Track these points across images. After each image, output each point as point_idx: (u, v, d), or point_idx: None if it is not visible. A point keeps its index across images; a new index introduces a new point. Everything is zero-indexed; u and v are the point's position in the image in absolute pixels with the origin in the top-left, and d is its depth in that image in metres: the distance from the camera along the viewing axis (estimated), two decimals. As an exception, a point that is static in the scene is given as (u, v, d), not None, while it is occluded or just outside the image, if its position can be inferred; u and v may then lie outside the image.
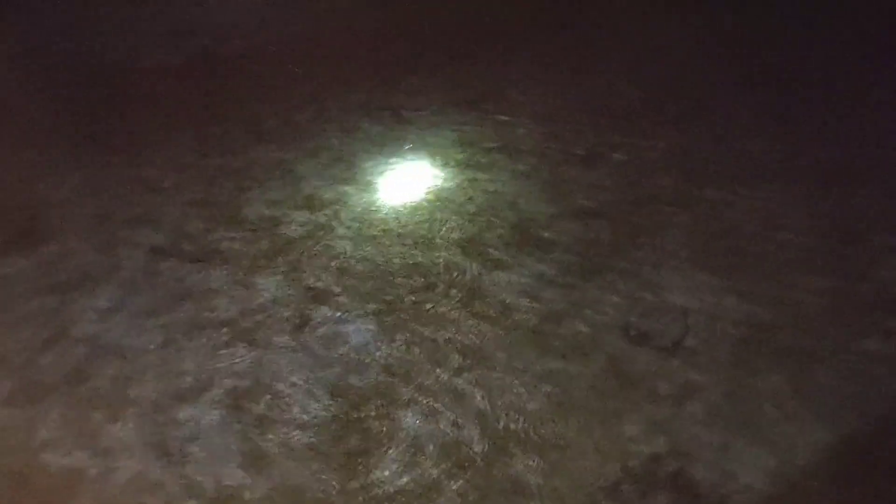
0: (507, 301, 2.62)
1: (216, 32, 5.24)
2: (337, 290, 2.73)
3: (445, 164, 3.48)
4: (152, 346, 2.49)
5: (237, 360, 2.42)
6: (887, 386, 2.21)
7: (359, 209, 3.18)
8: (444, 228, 3.03)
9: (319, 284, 2.75)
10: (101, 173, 3.56)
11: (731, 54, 4.62)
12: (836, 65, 4.39)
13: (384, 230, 3.04)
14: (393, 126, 3.88)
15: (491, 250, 2.89)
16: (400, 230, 3.03)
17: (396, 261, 2.86)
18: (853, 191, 3.15)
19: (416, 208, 3.17)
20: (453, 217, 3.10)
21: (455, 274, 2.77)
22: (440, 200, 3.21)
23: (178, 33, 5.23)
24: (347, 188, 3.33)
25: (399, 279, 2.76)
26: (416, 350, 2.44)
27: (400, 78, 4.43)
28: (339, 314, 2.61)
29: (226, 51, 4.95)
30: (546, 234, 2.97)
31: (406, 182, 3.37)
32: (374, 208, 3.19)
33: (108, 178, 3.51)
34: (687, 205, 3.12)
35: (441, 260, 2.85)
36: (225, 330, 2.54)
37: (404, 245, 2.94)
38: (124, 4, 5.86)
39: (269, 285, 2.76)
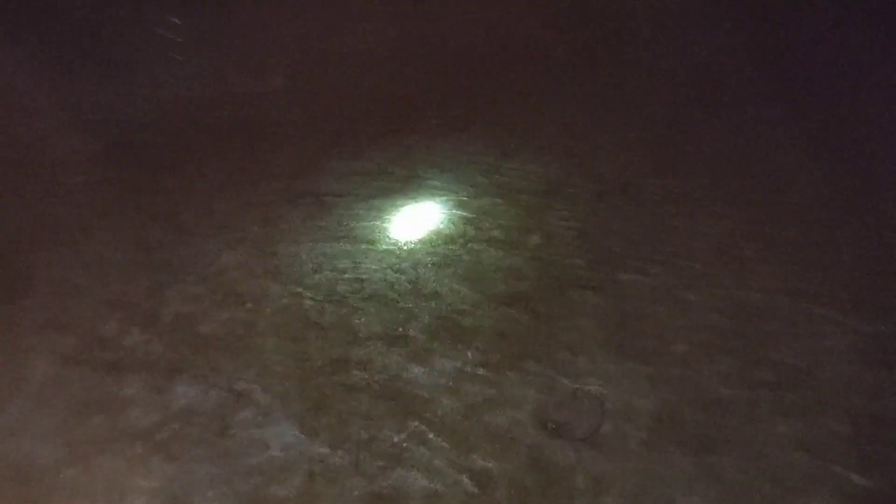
0: (430, 396, 2.65)
1: (132, 120, 5.20)
2: (258, 390, 2.70)
3: (367, 254, 3.53)
4: (61, 465, 2.39)
5: (152, 476, 2.35)
6: (787, 466, 2.34)
7: (282, 303, 3.17)
8: (366, 320, 3.05)
9: (240, 386, 2.72)
10: (6, 273, 3.44)
11: (649, 137, 4.91)
12: (734, 144, 4.74)
13: (307, 324, 3.04)
14: (315, 213, 3.92)
15: (415, 341, 2.92)
16: (323, 324, 3.04)
17: (319, 357, 2.86)
18: (749, 266, 3.36)
19: (339, 301, 3.19)
20: (376, 308, 3.13)
21: (379, 368, 2.79)
22: (363, 291, 3.24)
23: (93, 120, 5.16)
24: (269, 281, 3.33)
25: (322, 377, 2.76)
26: (339, 453, 2.42)
27: (322, 163, 4.50)
28: (260, 417, 2.58)
29: (142, 138, 4.91)
30: (467, 323, 3.04)
31: (328, 273, 3.39)
32: (296, 302, 3.18)
33: (14, 278, 3.39)
34: (600, 288, 3.25)
35: (365, 355, 2.86)
36: (139, 443, 2.47)
37: (327, 339, 2.95)
38: (37, 87, 5.75)
39: (187, 390, 2.70)
